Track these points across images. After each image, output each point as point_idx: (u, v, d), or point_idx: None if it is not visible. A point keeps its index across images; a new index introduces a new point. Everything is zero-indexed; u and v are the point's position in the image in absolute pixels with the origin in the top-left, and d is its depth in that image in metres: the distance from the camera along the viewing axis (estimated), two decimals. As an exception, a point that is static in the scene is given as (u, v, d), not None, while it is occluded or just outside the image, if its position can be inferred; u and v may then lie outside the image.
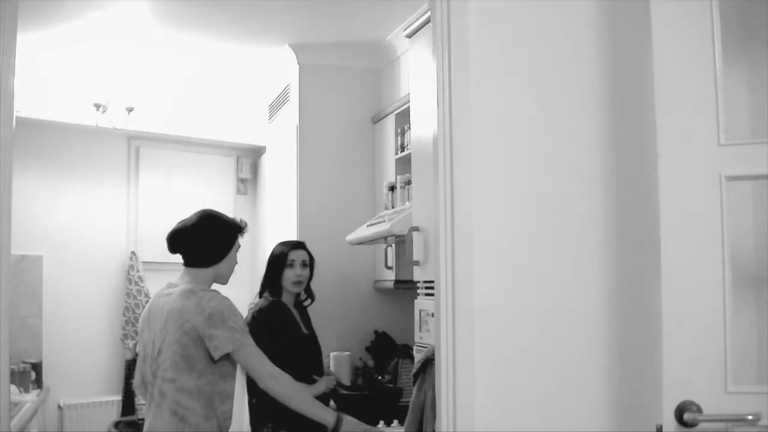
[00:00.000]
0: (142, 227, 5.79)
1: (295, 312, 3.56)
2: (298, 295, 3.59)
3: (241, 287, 5.63)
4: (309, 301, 3.66)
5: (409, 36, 3.51)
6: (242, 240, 2.78)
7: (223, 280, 2.75)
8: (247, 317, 3.57)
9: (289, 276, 3.49)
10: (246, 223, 2.80)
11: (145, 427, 2.60)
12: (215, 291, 2.63)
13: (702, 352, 1.66)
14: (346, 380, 4.28)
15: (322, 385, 3.39)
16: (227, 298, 2.60)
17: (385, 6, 4.17)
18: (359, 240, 4.23)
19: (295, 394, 2.62)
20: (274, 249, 3.63)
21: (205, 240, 2.68)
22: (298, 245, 3.59)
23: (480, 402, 1.91)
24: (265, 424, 3.30)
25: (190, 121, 5.79)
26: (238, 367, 2.60)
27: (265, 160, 5.99)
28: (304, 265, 3.52)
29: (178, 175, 5.97)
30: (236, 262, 2.77)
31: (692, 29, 1.72)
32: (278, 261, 3.52)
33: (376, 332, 4.60)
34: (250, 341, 2.57)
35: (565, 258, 1.99)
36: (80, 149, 5.71)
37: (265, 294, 3.54)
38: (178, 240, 2.68)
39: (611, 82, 2.02)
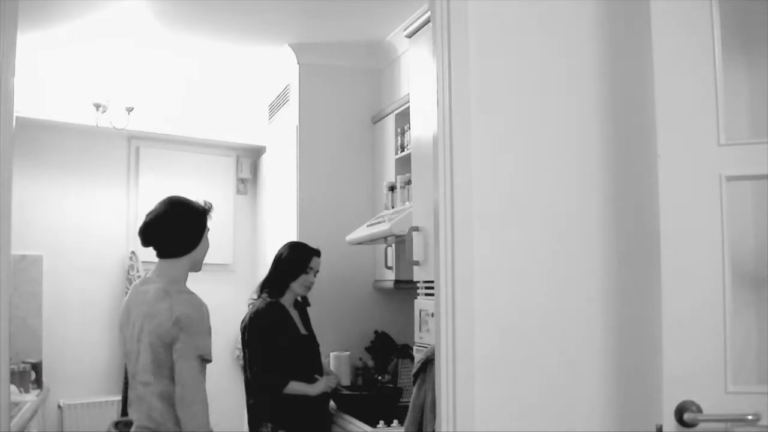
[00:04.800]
0: (142, 227, 5.78)
1: (294, 313, 3.57)
2: (299, 296, 3.61)
3: (242, 287, 5.65)
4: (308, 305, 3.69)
5: (409, 36, 3.51)
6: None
7: (198, 267, 2.69)
8: (244, 319, 3.59)
9: (304, 281, 3.54)
10: (211, 205, 2.73)
11: (133, 428, 2.57)
12: (189, 293, 2.56)
13: (702, 352, 1.66)
14: (346, 380, 4.28)
15: (322, 384, 3.39)
16: (201, 303, 2.53)
17: (385, 6, 4.16)
18: (359, 240, 4.22)
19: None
20: (290, 251, 3.62)
21: (179, 227, 2.63)
22: (318, 253, 3.62)
23: (480, 402, 1.91)
24: (264, 423, 3.31)
25: (190, 121, 5.78)
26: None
27: (265, 160, 5.98)
28: (316, 272, 3.58)
29: (178, 175, 5.96)
30: (208, 246, 2.70)
31: (692, 29, 1.72)
32: (298, 265, 3.55)
33: (376, 332, 4.59)
34: (208, 354, 2.47)
35: (565, 258, 1.99)
36: (80, 149, 5.70)
37: (263, 295, 3.54)
38: (152, 233, 2.61)
39: (611, 81, 2.02)
